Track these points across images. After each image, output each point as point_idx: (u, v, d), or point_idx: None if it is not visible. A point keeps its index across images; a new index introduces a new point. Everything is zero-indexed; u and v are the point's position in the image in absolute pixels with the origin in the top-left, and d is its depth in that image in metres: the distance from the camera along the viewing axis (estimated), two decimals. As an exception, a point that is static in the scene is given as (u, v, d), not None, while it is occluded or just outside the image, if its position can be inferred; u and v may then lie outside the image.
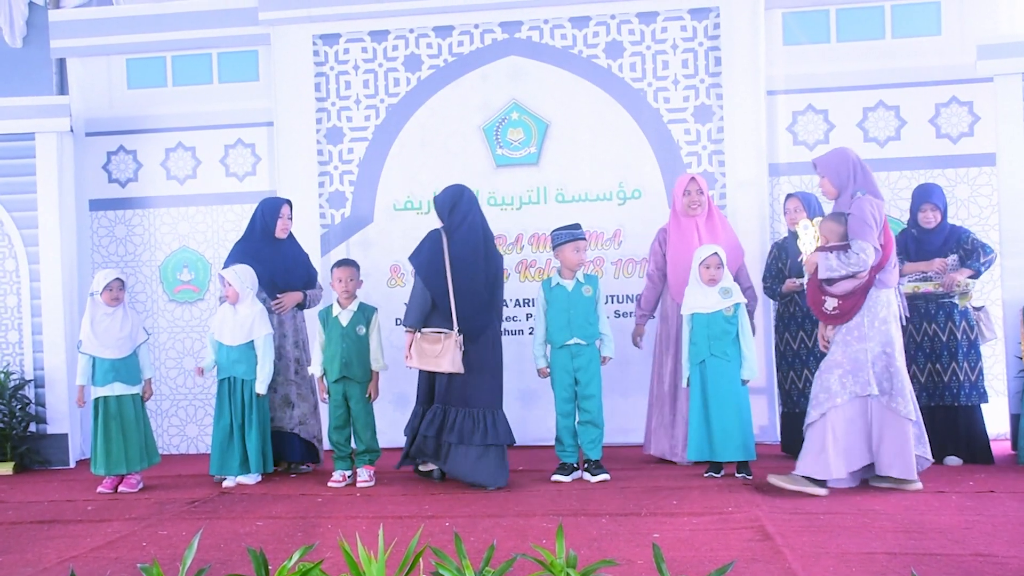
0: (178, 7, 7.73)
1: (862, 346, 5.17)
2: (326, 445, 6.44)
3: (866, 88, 7.12)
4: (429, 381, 5.86)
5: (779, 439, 6.72)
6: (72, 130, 7.53)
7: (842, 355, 5.22)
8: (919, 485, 5.17)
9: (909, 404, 5.17)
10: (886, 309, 5.23)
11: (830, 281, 5.27)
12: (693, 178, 6.30)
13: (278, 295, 6.42)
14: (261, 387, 6.10)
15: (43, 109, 7.34)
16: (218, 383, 6.18)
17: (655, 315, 6.45)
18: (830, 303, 5.28)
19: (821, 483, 5.12)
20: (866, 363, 5.15)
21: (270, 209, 6.56)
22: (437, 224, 5.95)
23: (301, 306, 6.58)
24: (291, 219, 6.63)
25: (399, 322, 7.03)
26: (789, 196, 6.55)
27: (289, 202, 6.65)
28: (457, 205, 5.85)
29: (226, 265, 6.43)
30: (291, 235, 6.69)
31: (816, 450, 5.15)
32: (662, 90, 7.24)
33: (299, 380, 6.44)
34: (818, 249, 5.35)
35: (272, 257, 6.41)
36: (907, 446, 5.15)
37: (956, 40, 7.01)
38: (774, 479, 5.21)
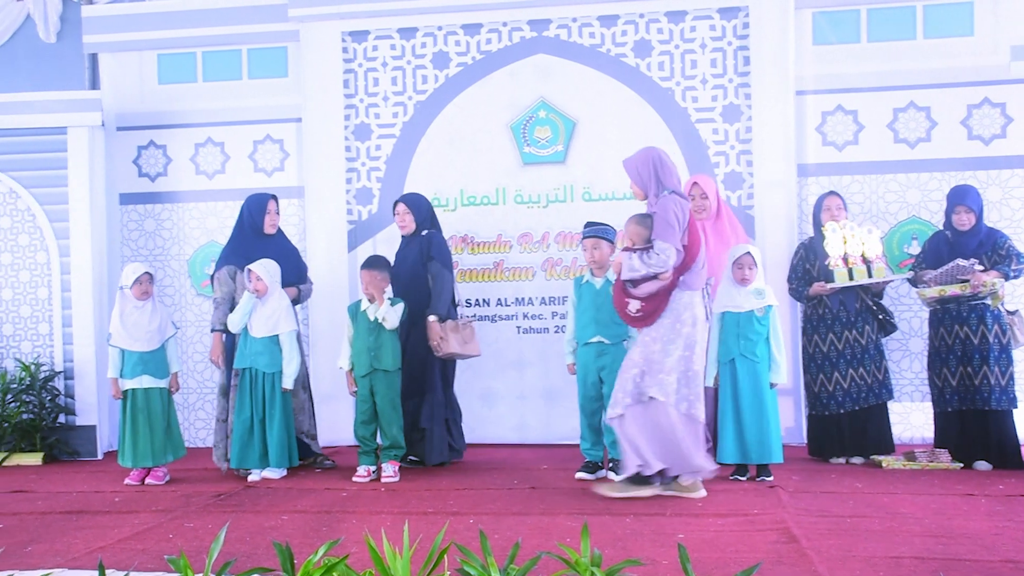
0: (209, 3, 7.76)
1: (662, 348, 5.12)
2: (329, 442, 6.51)
3: (897, 89, 7.05)
4: (445, 370, 6.43)
5: (805, 442, 6.67)
6: (103, 124, 7.60)
7: (639, 356, 5.19)
8: (704, 492, 5.15)
9: (702, 408, 5.18)
10: (689, 311, 5.18)
11: (634, 283, 5.20)
12: (695, 182, 6.29)
13: None
14: (288, 382, 6.12)
15: (75, 103, 7.44)
16: (239, 373, 6.20)
17: None
18: (633, 305, 5.19)
19: (646, 480, 5.12)
20: (663, 365, 5.10)
21: (256, 205, 6.53)
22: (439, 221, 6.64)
23: (296, 301, 6.56)
24: (278, 214, 6.61)
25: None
26: (830, 193, 6.49)
27: (275, 197, 6.62)
28: (433, 211, 6.60)
29: (218, 265, 6.50)
30: (280, 230, 6.68)
31: (631, 449, 5.14)
32: (690, 89, 7.20)
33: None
34: (623, 249, 5.29)
35: (262, 253, 6.35)
36: (700, 449, 5.18)
37: (989, 41, 6.94)
38: (603, 489, 5.22)
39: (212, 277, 6.61)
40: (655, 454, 5.12)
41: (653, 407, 5.13)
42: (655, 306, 5.15)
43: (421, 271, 6.27)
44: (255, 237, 6.50)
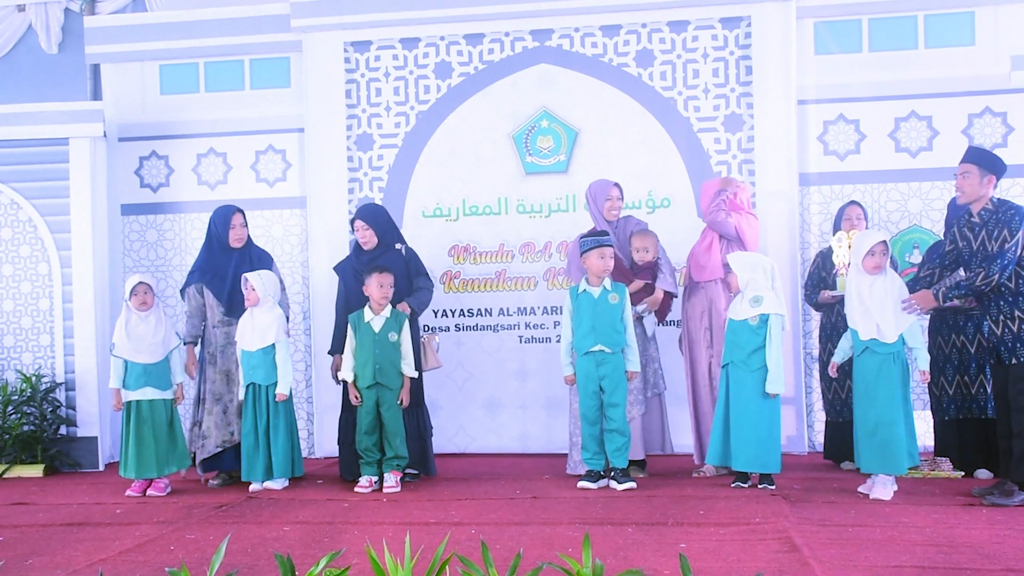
0: (211, 14, 7.78)
1: None
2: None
3: (898, 98, 7.06)
4: None
5: (820, 447, 6.66)
6: (105, 135, 7.60)
7: None
8: None
9: None
10: None
11: None
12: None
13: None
14: (283, 388, 6.09)
15: (77, 114, 7.44)
16: (244, 388, 6.19)
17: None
18: None
19: None
20: None
21: (221, 219, 6.41)
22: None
23: None
24: (245, 227, 6.45)
25: (427, 328, 7.05)
26: (851, 203, 6.47)
27: (240, 210, 6.49)
28: (392, 220, 6.56)
29: (187, 282, 6.46)
30: (251, 243, 6.54)
31: None
32: (692, 99, 7.22)
33: None
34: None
35: (226, 268, 6.31)
36: None
37: (990, 50, 6.96)
38: None
39: (182, 292, 6.54)
40: None
41: None
42: None
43: (405, 286, 6.23)
44: (221, 252, 6.40)
